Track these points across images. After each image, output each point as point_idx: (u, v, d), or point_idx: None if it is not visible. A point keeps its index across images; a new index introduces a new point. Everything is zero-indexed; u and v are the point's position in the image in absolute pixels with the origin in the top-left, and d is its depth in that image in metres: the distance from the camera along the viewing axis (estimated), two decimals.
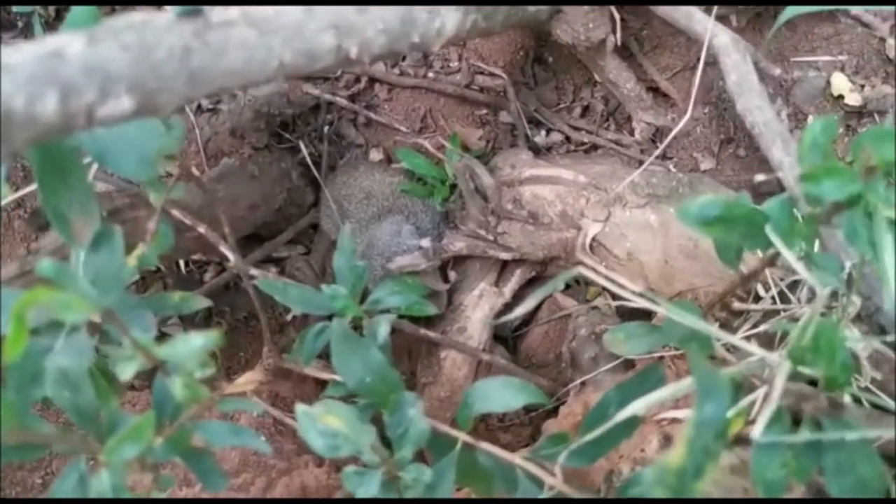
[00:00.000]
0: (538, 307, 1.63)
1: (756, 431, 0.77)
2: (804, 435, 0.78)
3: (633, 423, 0.91)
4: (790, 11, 1.26)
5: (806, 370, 0.85)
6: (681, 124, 1.32)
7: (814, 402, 0.83)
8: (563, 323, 1.59)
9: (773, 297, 1.26)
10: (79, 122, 0.71)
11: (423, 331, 1.44)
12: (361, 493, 0.98)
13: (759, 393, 0.87)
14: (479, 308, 1.51)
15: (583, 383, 1.36)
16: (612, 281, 0.95)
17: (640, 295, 0.93)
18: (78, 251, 1.07)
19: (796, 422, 0.86)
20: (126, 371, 0.83)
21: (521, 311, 1.37)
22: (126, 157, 1.00)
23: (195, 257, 1.75)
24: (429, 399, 1.48)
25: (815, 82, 1.59)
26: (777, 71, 1.32)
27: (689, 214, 0.87)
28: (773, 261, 0.98)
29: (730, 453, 1.10)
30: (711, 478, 0.72)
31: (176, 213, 1.40)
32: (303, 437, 0.98)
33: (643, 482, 0.84)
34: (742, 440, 1.09)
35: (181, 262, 1.75)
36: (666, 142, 1.39)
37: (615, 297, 1.52)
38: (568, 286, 1.64)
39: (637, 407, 0.87)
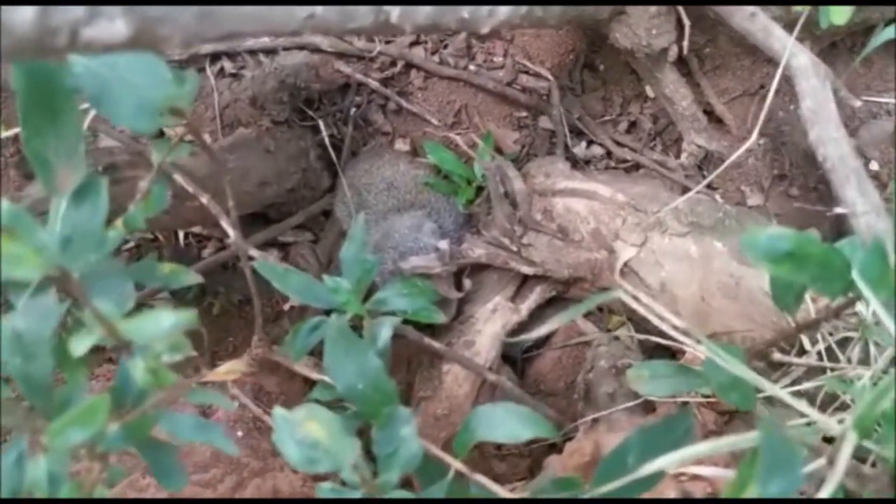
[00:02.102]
0: (554, 331, 1.50)
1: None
2: None
3: (655, 478, 0.78)
4: (884, 36, 1.13)
5: (871, 445, 0.73)
6: (739, 152, 1.19)
7: (876, 484, 0.71)
8: (578, 350, 1.46)
9: (819, 353, 1.14)
10: (60, 41, 0.59)
11: (427, 340, 1.31)
12: None
13: (813, 466, 0.74)
14: (490, 323, 1.39)
15: (595, 420, 1.23)
16: (655, 313, 0.83)
17: (684, 333, 0.81)
18: (58, 202, 0.96)
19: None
20: (79, 345, 0.71)
21: (538, 333, 1.25)
22: (124, 103, 0.89)
23: (195, 230, 1.63)
24: (424, 415, 1.36)
25: (884, 125, 1.47)
26: (857, 103, 1.20)
27: (756, 245, 0.74)
28: (839, 312, 0.86)
29: None
30: None
31: (178, 178, 1.28)
32: (276, 446, 0.86)
33: None
34: None
35: (180, 234, 1.64)
36: (718, 170, 1.26)
37: (640, 329, 1.40)
38: (588, 312, 1.51)
39: (665, 463, 0.75)
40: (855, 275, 0.68)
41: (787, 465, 0.50)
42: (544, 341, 1.50)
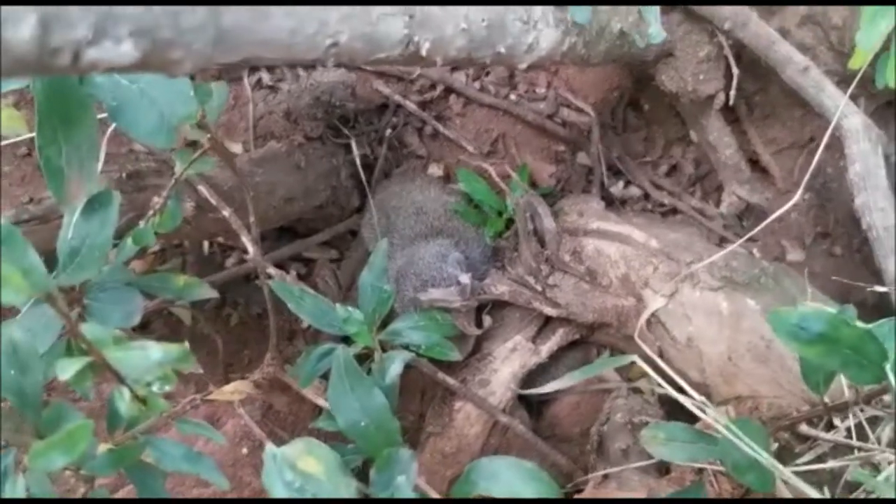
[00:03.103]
0: None
1: None
2: None
3: None
4: None
5: None
6: (783, 209, 1.13)
7: None
8: (598, 397, 1.41)
9: (848, 429, 1.08)
10: (61, 61, 0.57)
11: (440, 374, 1.27)
12: None
13: None
14: (508, 362, 1.34)
15: (606, 476, 1.18)
16: (671, 381, 0.78)
17: (700, 408, 0.76)
18: (71, 213, 0.95)
19: None
20: (65, 370, 0.69)
21: (553, 387, 1.20)
22: (144, 117, 0.87)
23: (220, 240, 1.61)
24: (431, 451, 1.32)
25: None
26: None
27: (785, 324, 0.70)
28: (870, 399, 0.81)
29: None
30: None
31: (203, 189, 1.26)
32: (264, 482, 0.83)
33: None
34: None
35: (205, 242, 1.62)
36: (761, 225, 1.20)
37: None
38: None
39: None
40: (889, 369, 0.63)
41: None
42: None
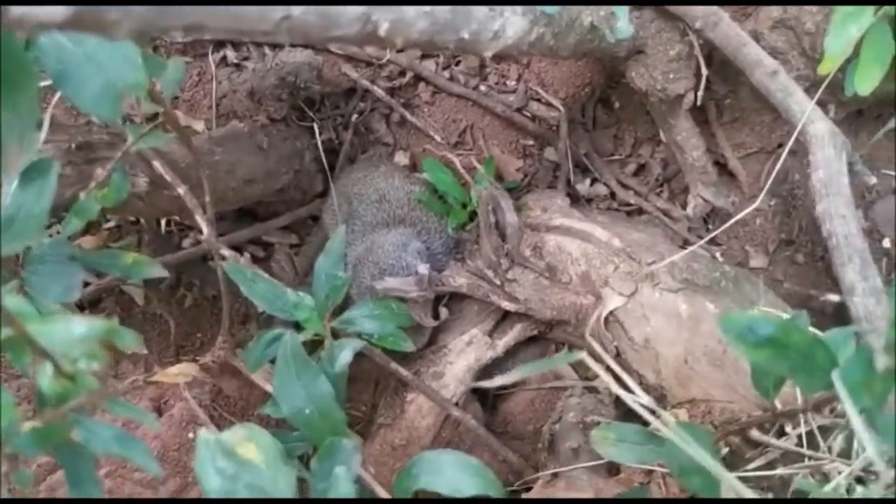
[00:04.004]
0: None
1: None
2: None
3: None
4: None
5: None
6: (745, 212, 1.13)
7: None
8: (552, 394, 1.40)
9: (799, 437, 1.07)
10: None
11: (393, 365, 1.25)
12: None
13: None
14: (464, 356, 1.32)
15: (556, 475, 1.16)
16: (620, 382, 0.76)
17: (650, 411, 0.75)
18: (9, 182, 0.91)
19: None
20: None
21: (503, 381, 1.18)
22: (89, 84, 0.84)
23: (177, 219, 1.58)
24: (381, 443, 1.29)
25: None
26: (873, 180, 1.12)
27: (735, 326, 0.68)
28: (819, 407, 0.79)
29: None
30: None
31: (158, 165, 1.23)
32: (196, 471, 0.80)
33: None
34: None
35: (162, 220, 1.58)
36: (722, 227, 1.19)
37: (619, 382, 1.33)
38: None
39: None
40: (836, 378, 0.62)
41: None
42: (519, 381, 1.43)
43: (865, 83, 1.02)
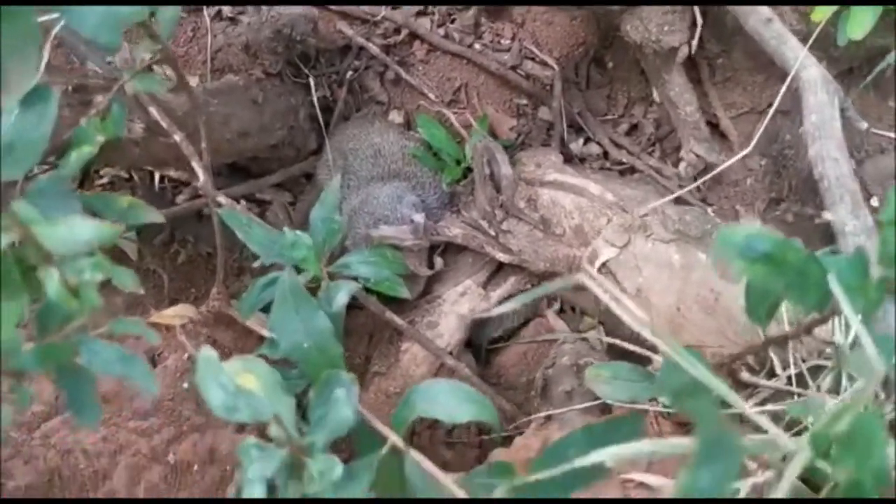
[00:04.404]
0: (524, 324, 1.45)
1: None
2: None
3: (594, 472, 0.73)
4: (890, 59, 1.08)
5: (824, 468, 0.67)
6: (734, 159, 1.14)
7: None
8: (545, 347, 1.41)
9: (789, 378, 1.09)
10: None
11: (388, 314, 1.26)
12: (254, 472, 0.81)
13: (758, 479, 0.69)
14: (458, 306, 1.34)
15: (549, 418, 1.18)
16: (618, 301, 0.78)
17: (645, 330, 0.76)
18: (11, 107, 0.91)
19: None
20: None
21: (501, 309, 1.20)
22: (91, 13, 0.84)
23: (171, 174, 1.58)
24: (376, 392, 1.30)
25: (890, 161, 1.42)
26: (864, 125, 1.14)
27: (732, 242, 0.69)
28: (811, 328, 0.81)
29: None
30: None
31: (154, 111, 1.23)
32: (198, 387, 0.81)
33: None
34: None
35: (156, 176, 1.58)
36: (709, 175, 1.21)
37: (609, 333, 1.35)
38: (562, 310, 1.46)
39: (605, 455, 0.69)
40: (832, 280, 0.63)
41: (723, 455, 0.44)
42: (511, 334, 1.45)
43: (857, 28, 1.04)
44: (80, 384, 0.84)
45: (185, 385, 1.41)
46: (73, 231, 0.64)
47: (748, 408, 0.75)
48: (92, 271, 0.69)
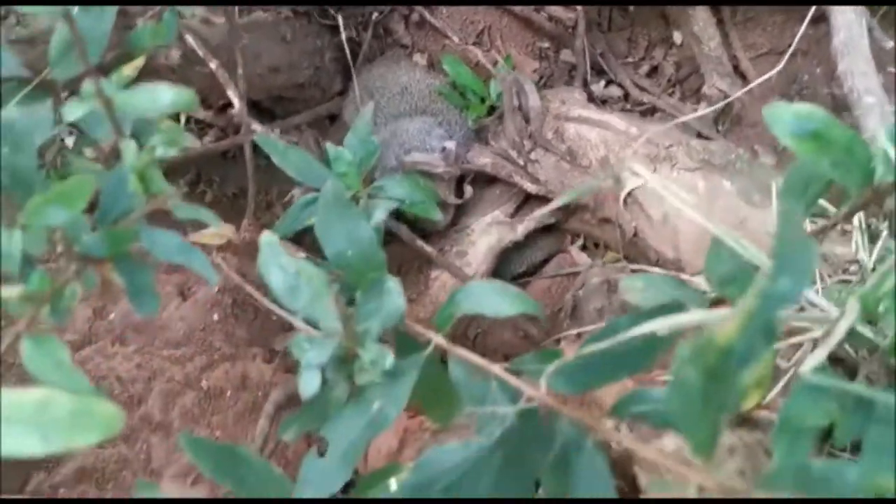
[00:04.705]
0: (546, 260, 1.47)
1: (807, 366, 0.62)
2: (860, 388, 0.63)
3: (652, 346, 0.75)
4: None
5: (865, 333, 0.71)
6: (752, 85, 1.17)
7: (869, 367, 0.69)
8: (568, 281, 1.44)
9: (816, 291, 1.11)
10: None
11: (419, 241, 1.29)
12: (308, 360, 0.83)
13: (806, 337, 0.72)
14: (486, 236, 1.36)
15: (579, 335, 1.21)
16: (669, 189, 0.81)
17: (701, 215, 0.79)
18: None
19: None
20: (72, 112, 0.68)
21: (525, 228, 1.23)
22: None
23: (199, 116, 1.60)
24: (407, 318, 1.32)
25: None
26: (891, 44, 1.17)
27: (782, 119, 0.72)
28: (851, 214, 0.83)
29: (731, 434, 0.95)
30: (759, 374, 0.58)
31: (190, 39, 1.25)
32: (260, 270, 0.84)
33: (650, 398, 0.69)
34: (748, 421, 0.94)
35: (182, 117, 1.60)
36: (724, 101, 1.23)
37: (632, 260, 1.38)
38: (584, 247, 1.49)
39: (658, 325, 0.72)
40: (882, 143, 0.66)
41: (801, 260, 0.47)
42: (535, 269, 1.48)
43: None
44: (139, 273, 0.86)
45: (215, 317, 1.43)
46: (154, 96, 0.66)
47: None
48: (165, 146, 0.72)
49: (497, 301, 0.92)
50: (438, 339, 0.93)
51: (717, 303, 1.04)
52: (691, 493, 0.52)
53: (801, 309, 0.76)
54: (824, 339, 0.66)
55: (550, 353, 0.83)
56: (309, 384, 0.82)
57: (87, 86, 0.68)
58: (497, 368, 0.86)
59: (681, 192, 1.24)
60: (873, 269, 1.10)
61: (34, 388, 0.48)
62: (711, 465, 0.52)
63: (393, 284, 0.88)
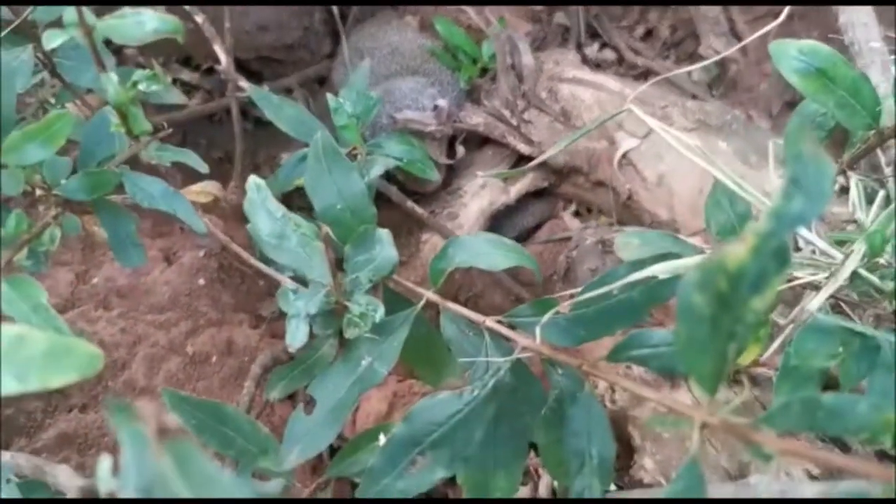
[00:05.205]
0: (538, 226, 1.45)
1: (813, 304, 0.60)
2: (868, 329, 0.61)
3: (649, 296, 0.72)
4: None
5: (871, 278, 0.69)
6: (746, 41, 1.14)
7: (876, 308, 0.67)
8: (560, 246, 1.41)
9: (813, 251, 1.10)
10: None
11: (410, 203, 1.26)
12: (296, 308, 0.81)
13: (808, 278, 0.70)
14: (478, 198, 1.34)
15: (573, 296, 1.18)
16: (668, 132, 0.79)
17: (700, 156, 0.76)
18: None
19: None
20: (52, 40, 0.65)
21: (517, 190, 1.20)
22: None
23: (184, 78, 1.56)
24: (396, 281, 1.30)
25: None
26: None
27: (787, 55, 0.70)
28: (853, 164, 0.82)
29: (727, 390, 0.93)
30: (770, 300, 0.56)
31: None
32: (246, 212, 0.81)
33: (650, 341, 0.67)
34: (749, 377, 0.93)
35: (167, 78, 1.56)
36: (723, 54, 1.21)
37: (626, 224, 1.35)
38: (577, 213, 1.46)
39: (657, 270, 0.70)
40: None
41: (816, 178, 0.45)
42: (528, 236, 1.45)
43: None
44: (122, 222, 0.83)
45: (201, 282, 1.41)
46: (141, 22, 0.63)
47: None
48: (147, 83, 0.69)
49: (491, 253, 0.90)
50: (430, 295, 0.91)
51: None
52: (695, 430, 0.50)
53: (799, 249, 0.75)
54: (829, 281, 0.64)
55: (545, 303, 0.81)
56: (297, 334, 0.80)
57: (69, 14, 0.65)
58: (490, 321, 0.84)
59: (683, 138, 1.23)
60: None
61: (9, 325, 0.46)
62: (715, 404, 0.50)
63: (384, 234, 0.86)
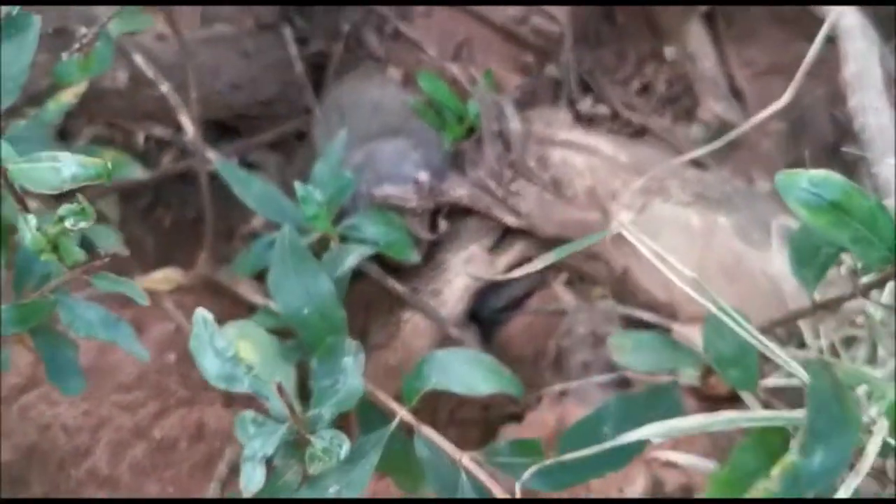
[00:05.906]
0: (528, 295, 1.37)
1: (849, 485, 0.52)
2: None
3: (631, 451, 0.66)
4: None
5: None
6: (757, 119, 1.07)
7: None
8: (551, 319, 1.33)
9: (820, 349, 1.02)
10: None
11: (390, 281, 1.18)
12: (252, 449, 0.73)
13: None
14: (463, 275, 1.26)
15: (563, 393, 1.11)
16: (661, 258, 0.71)
17: (692, 284, 0.69)
18: None
19: None
20: None
21: (505, 265, 1.13)
22: None
23: (157, 133, 1.48)
24: (374, 364, 1.23)
25: None
26: None
27: (795, 188, 0.62)
28: (868, 291, 0.74)
29: None
30: None
31: (139, 60, 1.14)
32: (192, 353, 0.73)
33: None
34: None
35: (139, 136, 1.49)
36: (733, 134, 1.13)
37: (621, 301, 1.28)
38: (569, 281, 1.38)
39: (649, 432, 0.62)
40: None
41: (839, 431, 0.37)
42: (516, 306, 1.37)
43: None
44: (61, 349, 0.76)
45: (172, 357, 1.33)
46: (57, 167, 0.55)
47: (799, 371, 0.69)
48: (75, 219, 0.61)
49: (472, 375, 0.82)
50: (405, 415, 0.84)
51: (712, 371, 0.95)
52: None
53: None
54: (859, 461, 0.56)
55: (526, 445, 0.74)
56: (252, 478, 0.72)
57: None
58: (467, 459, 0.76)
59: (672, 235, 1.15)
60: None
61: None
62: None
63: (350, 362, 0.78)
